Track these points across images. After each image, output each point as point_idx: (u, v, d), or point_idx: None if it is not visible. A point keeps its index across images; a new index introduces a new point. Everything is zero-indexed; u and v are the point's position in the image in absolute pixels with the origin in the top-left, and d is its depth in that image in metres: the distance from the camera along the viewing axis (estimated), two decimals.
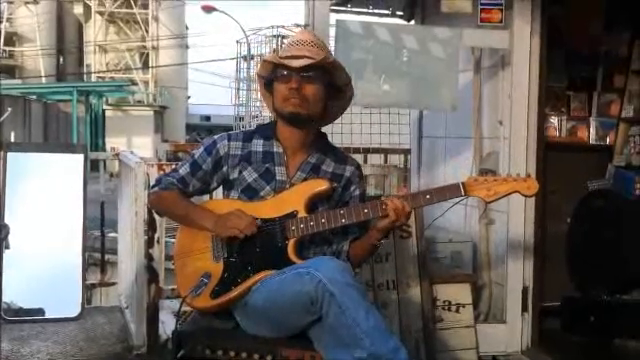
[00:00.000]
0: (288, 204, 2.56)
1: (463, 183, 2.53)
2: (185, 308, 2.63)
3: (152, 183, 2.90)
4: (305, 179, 2.62)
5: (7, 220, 3.72)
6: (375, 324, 2.25)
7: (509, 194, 2.54)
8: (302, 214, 2.54)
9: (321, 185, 2.59)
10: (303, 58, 2.53)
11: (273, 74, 2.60)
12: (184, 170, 2.68)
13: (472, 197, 2.57)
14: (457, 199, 4.16)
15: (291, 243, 2.53)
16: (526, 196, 2.57)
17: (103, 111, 32.30)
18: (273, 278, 2.44)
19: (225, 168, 2.65)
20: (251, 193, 2.61)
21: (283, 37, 18.26)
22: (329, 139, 2.80)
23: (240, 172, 2.63)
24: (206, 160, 2.66)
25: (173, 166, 2.97)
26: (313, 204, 2.58)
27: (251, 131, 2.73)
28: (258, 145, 2.65)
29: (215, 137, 2.71)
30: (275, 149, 2.64)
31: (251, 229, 2.50)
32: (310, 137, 2.66)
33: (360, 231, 2.64)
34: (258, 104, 18.81)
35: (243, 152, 2.64)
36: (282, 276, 2.41)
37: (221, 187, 2.75)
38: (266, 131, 2.69)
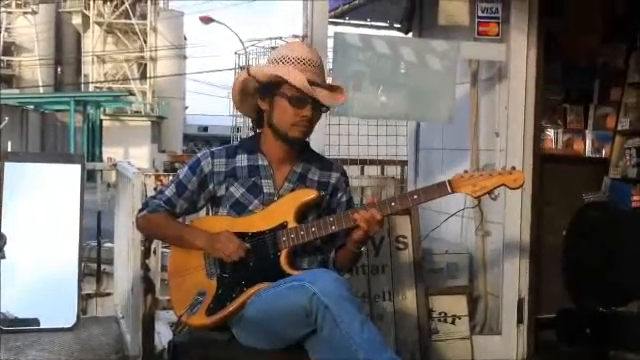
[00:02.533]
0: (277, 215, 2.56)
1: (449, 181, 2.51)
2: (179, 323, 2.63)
3: (146, 198, 2.89)
4: (292, 189, 2.62)
5: (3, 230, 3.71)
6: (370, 337, 2.25)
7: (496, 188, 2.51)
8: (292, 224, 2.54)
9: (309, 194, 2.59)
10: (321, 87, 2.53)
11: (277, 87, 2.52)
12: (170, 191, 2.67)
13: (460, 193, 2.54)
14: (454, 211, 4.24)
15: (283, 254, 2.53)
16: (513, 188, 2.54)
17: (100, 121, 32.40)
18: (268, 291, 2.44)
19: (211, 186, 2.64)
20: (240, 208, 2.61)
21: None
22: (326, 150, 2.81)
23: (227, 188, 2.62)
24: (191, 180, 2.64)
25: (170, 177, 2.97)
26: (302, 214, 2.58)
27: (234, 146, 2.72)
28: (243, 160, 2.64)
29: (198, 155, 2.70)
30: (260, 162, 2.63)
31: (238, 254, 2.49)
32: (296, 148, 2.65)
33: (345, 238, 2.61)
34: None
35: (228, 168, 2.63)
36: (277, 289, 2.41)
37: (208, 204, 2.74)
38: (250, 145, 2.68)
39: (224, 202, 2.62)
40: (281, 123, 2.55)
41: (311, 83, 2.49)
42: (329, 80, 2.72)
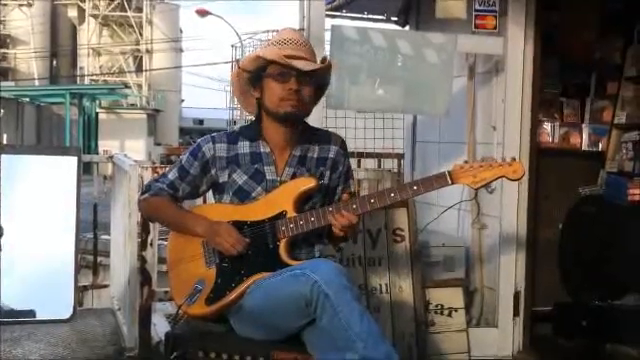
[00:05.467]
0: (277, 204, 2.57)
1: (449, 172, 2.51)
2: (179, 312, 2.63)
3: (149, 181, 2.90)
4: (294, 173, 2.63)
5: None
6: (369, 328, 2.25)
7: (496, 179, 2.52)
8: (291, 214, 2.54)
9: (307, 183, 2.59)
10: (302, 59, 2.54)
11: (263, 70, 2.56)
12: (173, 175, 2.68)
13: (460, 184, 2.54)
14: (451, 204, 4.25)
15: (282, 244, 2.53)
16: (513, 180, 2.54)
17: (96, 114, 32.27)
18: (268, 280, 2.45)
19: (213, 171, 2.65)
20: (243, 195, 2.61)
21: None
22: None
23: (230, 175, 2.62)
24: (193, 164, 2.65)
25: (166, 169, 2.97)
26: (302, 202, 2.59)
27: (235, 132, 2.72)
28: (244, 147, 2.65)
29: (199, 140, 2.71)
30: (262, 149, 2.64)
31: (237, 249, 2.50)
32: (296, 133, 2.66)
33: None
34: None
35: (230, 154, 2.64)
36: (277, 277, 2.42)
37: (211, 190, 2.75)
38: (250, 132, 2.68)
39: (227, 189, 2.63)
40: (271, 102, 2.57)
41: (290, 57, 2.51)
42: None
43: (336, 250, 2.69)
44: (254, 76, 2.60)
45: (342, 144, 2.76)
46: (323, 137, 2.74)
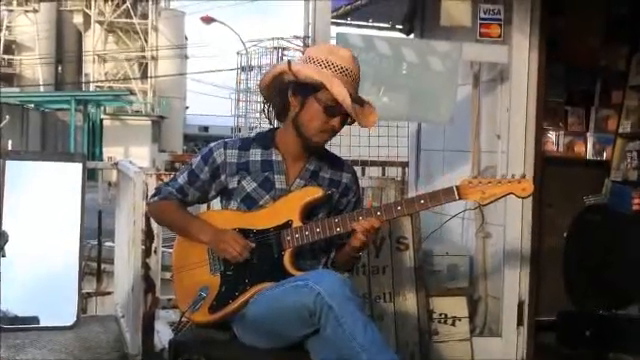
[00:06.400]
0: (283, 214, 2.55)
1: (457, 187, 2.48)
2: (182, 318, 2.63)
3: (151, 192, 2.89)
4: (304, 186, 2.60)
5: (4, 228, 3.71)
6: (372, 338, 2.24)
7: (504, 196, 2.48)
8: (297, 224, 2.52)
9: (315, 193, 2.57)
10: (355, 102, 2.50)
11: (314, 90, 2.46)
12: (182, 179, 2.67)
13: (467, 200, 2.52)
14: (455, 213, 4.24)
15: (287, 254, 2.52)
16: (521, 197, 2.51)
17: (101, 120, 32.35)
18: (271, 290, 2.44)
19: (223, 177, 2.63)
20: (250, 202, 2.60)
21: (283, 49, 18.35)
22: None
23: (239, 182, 2.60)
24: (203, 169, 2.63)
25: (172, 176, 2.96)
26: (308, 212, 2.57)
27: (249, 139, 2.69)
28: (256, 154, 2.63)
29: (212, 145, 2.68)
30: (274, 157, 2.62)
31: (242, 256, 2.49)
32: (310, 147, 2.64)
33: (347, 239, 2.58)
34: (257, 115, 18.85)
35: (241, 161, 2.61)
36: (280, 288, 2.40)
37: (219, 196, 2.74)
38: (265, 140, 2.66)
39: (235, 195, 2.61)
40: (308, 126, 2.52)
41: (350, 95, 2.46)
42: None
43: (353, 258, 2.66)
44: (300, 86, 2.51)
45: (354, 174, 2.75)
46: (337, 161, 2.72)
